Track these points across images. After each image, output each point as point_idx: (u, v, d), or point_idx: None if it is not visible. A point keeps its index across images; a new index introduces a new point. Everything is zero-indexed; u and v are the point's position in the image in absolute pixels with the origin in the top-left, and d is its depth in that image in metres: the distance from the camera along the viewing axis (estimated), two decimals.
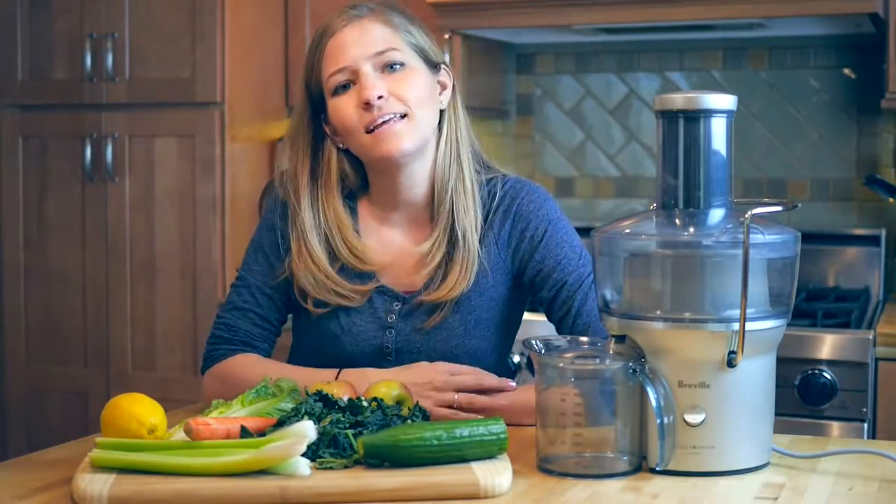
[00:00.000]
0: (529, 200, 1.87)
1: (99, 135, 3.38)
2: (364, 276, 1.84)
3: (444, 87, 1.86)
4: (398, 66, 1.78)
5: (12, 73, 3.49)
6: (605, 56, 3.55)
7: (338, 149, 1.85)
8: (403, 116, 1.77)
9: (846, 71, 3.32)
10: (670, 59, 3.48)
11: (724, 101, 1.50)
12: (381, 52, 1.78)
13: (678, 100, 1.50)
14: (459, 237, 1.82)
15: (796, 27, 3.17)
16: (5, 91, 3.51)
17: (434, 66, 1.84)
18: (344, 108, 1.78)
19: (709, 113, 1.49)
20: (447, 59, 1.90)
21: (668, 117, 1.51)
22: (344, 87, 1.78)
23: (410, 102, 1.77)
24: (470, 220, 1.83)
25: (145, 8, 3.31)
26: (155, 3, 3.30)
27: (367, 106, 1.75)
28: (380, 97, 1.75)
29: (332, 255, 1.83)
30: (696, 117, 1.49)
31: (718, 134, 1.50)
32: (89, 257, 3.42)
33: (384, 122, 1.76)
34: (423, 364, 1.74)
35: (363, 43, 1.77)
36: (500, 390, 1.72)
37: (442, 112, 1.85)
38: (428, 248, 1.83)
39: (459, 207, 1.82)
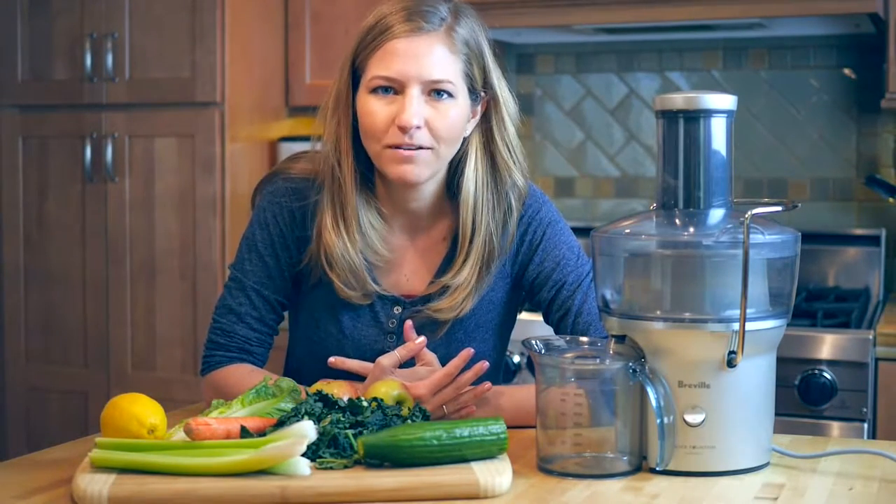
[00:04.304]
0: (528, 205, 1.87)
1: (99, 135, 3.38)
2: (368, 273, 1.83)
3: (473, 116, 1.80)
4: (445, 96, 1.73)
5: (12, 73, 3.49)
6: (605, 56, 3.55)
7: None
8: (428, 149, 1.73)
9: (846, 71, 3.32)
10: (670, 59, 3.48)
11: (724, 101, 1.50)
12: (435, 81, 1.72)
13: (678, 100, 1.50)
14: (486, 265, 1.81)
15: (796, 27, 3.17)
16: (5, 91, 3.51)
17: (475, 96, 1.79)
18: (375, 113, 1.73)
19: (709, 113, 1.49)
20: (495, 80, 1.82)
21: (668, 117, 1.51)
22: (384, 91, 1.73)
23: (441, 138, 1.73)
24: (501, 246, 1.82)
25: (145, 8, 3.32)
26: (155, 3, 3.30)
27: (402, 129, 1.71)
28: (418, 127, 1.71)
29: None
30: (696, 117, 1.49)
31: (718, 134, 1.50)
32: (89, 257, 3.42)
33: (407, 148, 1.72)
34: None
35: (422, 63, 1.71)
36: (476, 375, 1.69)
37: (465, 139, 1.81)
38: (462, 281, 1.80)
39: (494, 239, 1.81)
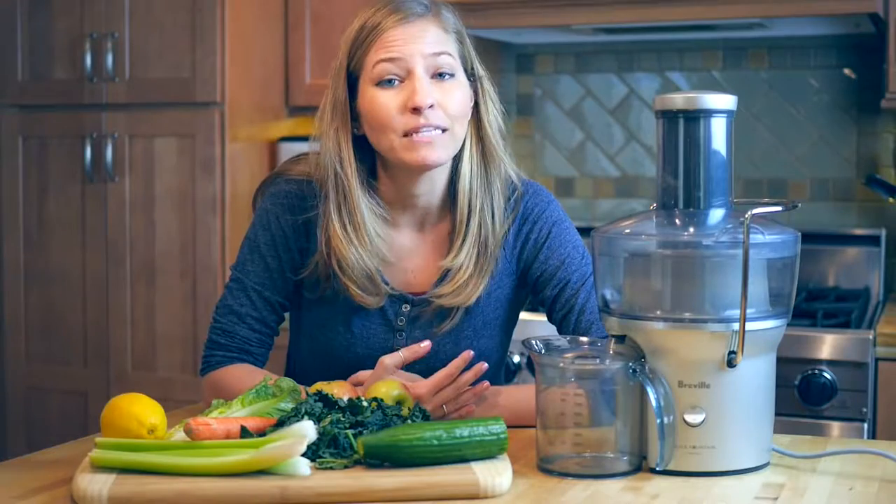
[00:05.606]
0: (534, 203, 1.88)
1: (99, 135, 3.38)
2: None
3: (470, 100, 1.82)
4: (448, 76, 1.75)
5: (12, 73, 3.49)
6: (605, 56, 3.55)
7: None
8: (444, 130, 1.74)
9: (846, 71, 3.32)
10: (670, 59, 3.48)
11: (724, 101, 1.50)
12: (437, 55, 1.74)
13: (678, 100, 1.50)
14: (483, 248, 1.82)
15: (796, 27, 3.17)
16: (5, 91, 3.51)
17: (471, 79, 1.81)
18: (386, 105, 1.73)
19: (709, 113, 1.49)
20: (479, 65, 1.85)
21: (668, 117, 1.51)
22: (389, 82, 1.74)
23: (453, 117, 1.75)
24: (495, 230, 1.83)
25: (145, 8, 3.32)
26: (155, 3, 3.30)
27: (416, 111, 1.71)
28: (430, 106, 1.72)
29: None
30: (696, 117, 1.49)
31: (718, 134, 1.50)
32: (89, 257, 3.42)
33: (425, 131, 1.73)
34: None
35: (421, 41, 1.74)
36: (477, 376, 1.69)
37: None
38: (461, 263, 1.81)
39: (488, 222, 1.81)
